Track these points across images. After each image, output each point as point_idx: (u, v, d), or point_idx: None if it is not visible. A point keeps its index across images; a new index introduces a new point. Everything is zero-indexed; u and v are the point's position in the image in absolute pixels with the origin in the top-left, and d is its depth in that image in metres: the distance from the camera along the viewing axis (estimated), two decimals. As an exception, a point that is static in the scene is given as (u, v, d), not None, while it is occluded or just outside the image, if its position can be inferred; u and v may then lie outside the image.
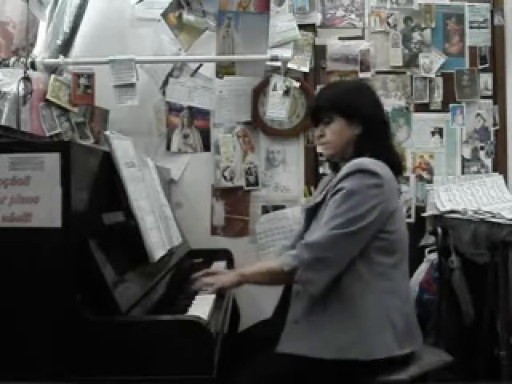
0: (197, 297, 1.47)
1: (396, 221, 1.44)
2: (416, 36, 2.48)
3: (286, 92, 2.29)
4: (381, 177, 1.39)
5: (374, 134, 1.50)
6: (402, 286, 1.47)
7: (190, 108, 2.42)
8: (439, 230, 2.22)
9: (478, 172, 2.47)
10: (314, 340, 1.38)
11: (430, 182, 2.46)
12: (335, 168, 1.61)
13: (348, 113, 1.50)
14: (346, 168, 1.42)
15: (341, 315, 1.38)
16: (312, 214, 1.53)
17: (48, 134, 2.10)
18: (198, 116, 2.43)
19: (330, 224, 1.37)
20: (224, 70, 2.43)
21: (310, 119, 2.36)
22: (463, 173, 2.48)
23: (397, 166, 1.51)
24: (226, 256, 2.21)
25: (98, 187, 1.32)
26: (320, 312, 1.40)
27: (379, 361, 1.35)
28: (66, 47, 2.20)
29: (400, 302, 1.43)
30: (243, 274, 1.50)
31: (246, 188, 2.43)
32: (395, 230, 1.43)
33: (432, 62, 2.46)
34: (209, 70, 2.42)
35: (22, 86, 1.98)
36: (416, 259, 2.31)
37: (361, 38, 2.48)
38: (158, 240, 1.48)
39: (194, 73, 2.41)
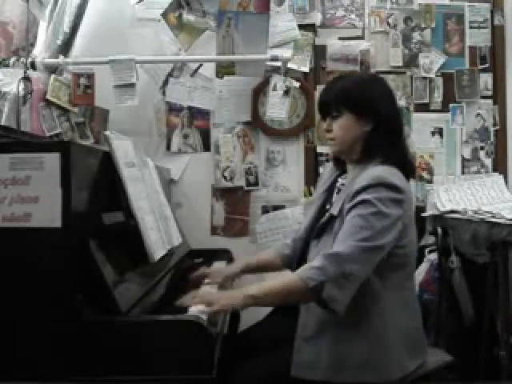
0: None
1: (408, 234, 1.38)
2: (416, 36, 2.48)
3: (286, 92, 2.29)
4: (402, 191, 1.32)
5: (386, 132, 1.40)
6: (413, 297, 1.45)
7: (190, 108, 2.42)
8: (439, 230, 2.21)
9: (478, 172, 2.47)
10: (326, 362, 1.32)
11: (430, 182, 2.45)
12: (339, 166, 1.55)
13: (358, 107, 1.40)
14: (365, 179, 1.32)
15: (356, 336, 1.33)
16: (324, 225, 1.44)
17: (48, 134, 2.10)
18: (197, 116, 2.44)
19: (357, 236, 1.27)
20: (224, 69, 2.43)
21: (310, 119, 2.41)
22: (463, 173, 2.48)
23: (410, 169, 1.45)
24: (226, 256, 2.21)
25: (98, 187, 1.32)
26: (333, 332, 1.33)
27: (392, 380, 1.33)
28: (66, 47, 2.20)
29: (411, 315, 1.41)
30: (252, 295, 1.29)
31: (246, 188, 2.43)
32: (407, 244, 1.37)
33: (432, 62, 2.46)
34: (209, 70, 2.42)
35: (22, 86, 1.99)
36: (416, 259, 2.31)
37: (361, 38, 2.48)
38: (158, 240, 1.48)
39: (194, 73, 2.41)
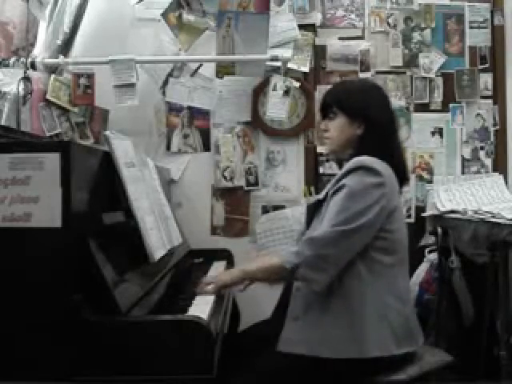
0: (197, 297, 1.47)
1: (396, 220, 1.43)
2: (416, 36, 2.48)
3: (286, 92, 2.29)
4: (382, 175, 1.39)
5: (377, 136, 1.49)
6: (401, 286, 1.46)
7: (190, 108, 2.42)
8: (439, 229, 2.22)
9: (478, 172, 2.48)
10: (311, 338, 1.38)
11: (430, 182, 2.46)
12: (341, 167, 1.60)
13: (351, 111, 1.51)
14: (347, 165, 1.43)
15: (339, 313, 1.38)
16: (313, 210, 1.53)
17: (48, 134, 2.10)
18: (197, 116, 2.44)
19: (332, 221, 1.36)
20: (224, 69, 2.43)
21: (310, 119, 2.41)
22: (463, 173, 2.48)
23: (403, 173, 1.51)
24: (226, 256, 2.21)
25: (98, 187, 1.32)
26: (319, 309, 1.40)
27: (377, 359, 1.35)
28: (66, 47, 2.20)
29: (399, 302, 1.43)
30: (245, 270, 1.48)
31: (246, 188, 2.43)
32: (395, 230, 1.43)
33: (432, 62, 2.46)
34: (209, 70, 2.42)
35: (21, 86, 1.98)
36: (416, 259, 2.31)
37: (361, 38, 2.49)
38: (158, 240, 1.48)
39: (194, 73, 2.41)
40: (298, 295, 1.46)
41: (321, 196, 1.50)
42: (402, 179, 1.53)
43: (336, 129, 1.53)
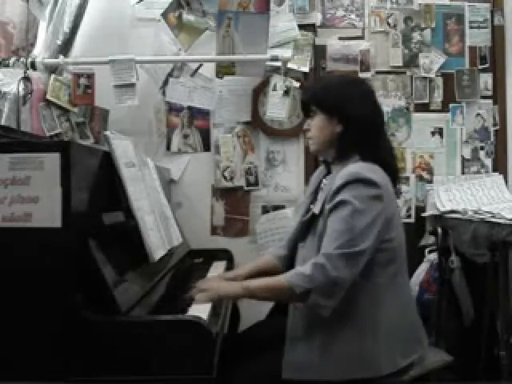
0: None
1: (394, 228, 1.39)
2: (416, 36, 2.48)
3: (286, 92, 2.29)
4: (379, 186, 1.34)
5: (358, 133, 1.42)
6: (405, 292, 1.45)
7: (190, 108, 2.43)
8: (439, 229, 2.22)
9: (478, 172, 2.47)
10: (319, 362, 1.33)
11: (430, 182, 2.46)
12: (327, 165, 1.56)
13: (327, 108, 1.45)
14: (343, 176, 1.35)
15: (345, 334, 1.34)
16: (308, 225, 1.47)
17: (48, 134, 2.10)
18: (197, 116, 2.44)
19: (339, 241, 1.29)
20: (224, 70, 2.43)
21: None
22: (463, 173, 2.48)
23: (389, 169, 1.44)
24: (226, 256, 2.21)
25: (98, 187, 1.32)
26: (325, 332, 1.35)
27: (385, 375, 1.33)
28: (65, 47, 2.20)
29: (403, 309, 1.41)
30: (248, 287, 1.37)
31: (246, 188, 2.43)
32: (394, 237, 1.39)
33: (432, 62, 2.46)
34: (209, 70, 2.42)
35: (22, 86, 1.98)
36: (416, 259, 2.31)
37: (361, 38, 2.49)
38: (158, 240, 1.48)
39: (194, 73, 2.41)
40: (297, 315, 1.40)
41: (316, 210, 1.43)
42: (395, 177, 1.47)
43: (316, 128, 1.48)
